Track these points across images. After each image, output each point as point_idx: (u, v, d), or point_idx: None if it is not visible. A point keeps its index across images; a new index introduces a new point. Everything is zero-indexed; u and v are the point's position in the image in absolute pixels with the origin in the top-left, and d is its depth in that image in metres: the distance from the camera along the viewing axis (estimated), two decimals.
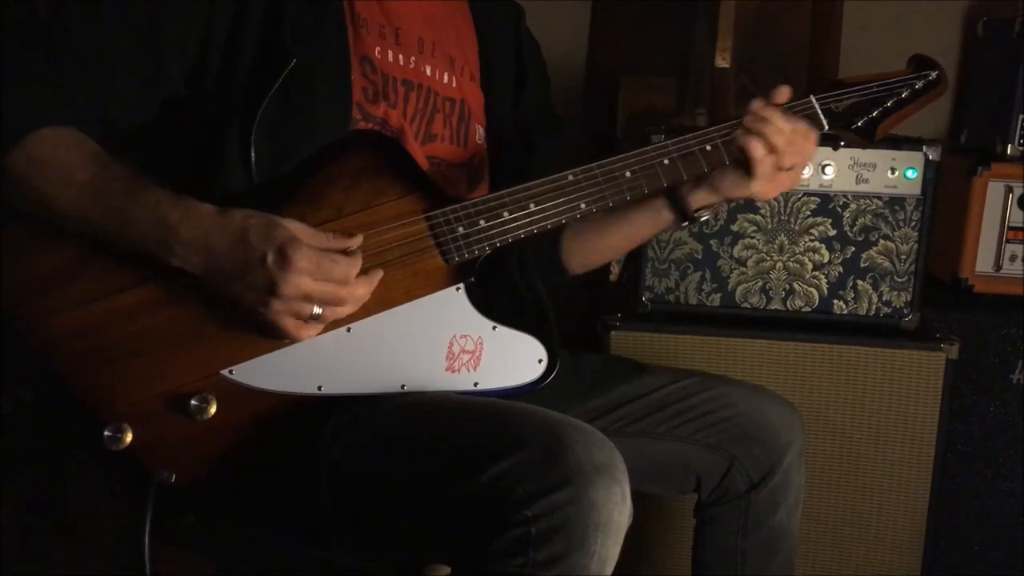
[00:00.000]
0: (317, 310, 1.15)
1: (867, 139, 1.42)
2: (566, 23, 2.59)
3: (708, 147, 1.36)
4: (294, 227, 1.14)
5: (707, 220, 1.51)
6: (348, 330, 1.23)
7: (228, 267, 1.13)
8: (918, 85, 1.42)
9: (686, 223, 1.48)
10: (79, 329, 1.19)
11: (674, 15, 2.67)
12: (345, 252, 1.17)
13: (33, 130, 1.16)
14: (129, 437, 1.18)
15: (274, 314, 1.14)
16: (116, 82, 1.22)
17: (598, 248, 1.58)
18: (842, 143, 1.45)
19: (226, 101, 1.25)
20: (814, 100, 1.39)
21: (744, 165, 1.37)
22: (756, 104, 1.35)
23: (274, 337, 1.18)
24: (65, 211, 1.16)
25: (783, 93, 1.37)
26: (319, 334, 1.19)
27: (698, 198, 1.45)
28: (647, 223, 1.51)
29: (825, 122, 1.39)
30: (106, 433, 1.18)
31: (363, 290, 1.19)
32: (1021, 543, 2.11)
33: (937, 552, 2.04)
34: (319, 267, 1.12)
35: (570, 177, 1.31)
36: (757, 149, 1.34)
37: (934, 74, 1.43)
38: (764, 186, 1.38)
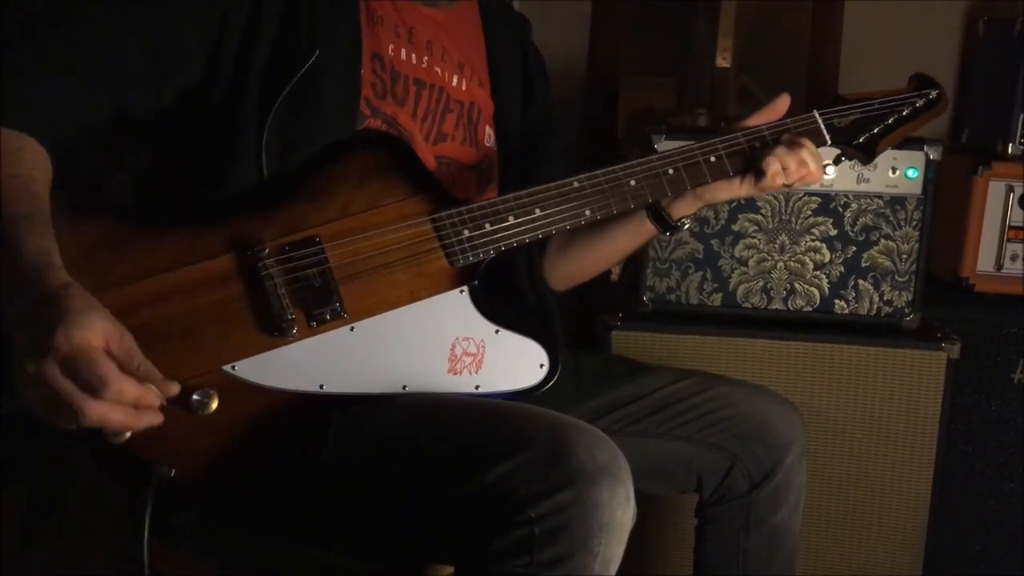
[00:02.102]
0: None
1: (868, 155, 1.43)
2: (567, 23, 2.59)
3: (712, 158, 1.37)
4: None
5: (706, 221, 1.53)
6: (351, 329, 1.23)
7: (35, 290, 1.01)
8: (919, 103, 1.44)
9: (668, 233, 1.50)
10: None
11: (675, 15, 2.68)
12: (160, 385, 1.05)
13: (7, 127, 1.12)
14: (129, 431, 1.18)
15: (27, 376, 0.98)
16: (132, 64, 1.21)
17: (583, 263, 1.59)
18: (843, 159, 1.47)
19: (241, 95, 1.25)
20: (817, 115, 1.41)
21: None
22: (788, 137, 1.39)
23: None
24: None
25: (784, 102, 1.41)
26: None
27: (679, 208, 1.47)
28: (630, 236, 1.52)
29: (828, 137, 1.41)
30: None
31: (115, 417, 1.01)
32: (1022, 542, 2.11)
33: (938, 551, 2.04)
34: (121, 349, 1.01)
35: (575, 184, 1.31)
36: (778, 177, 1.37)
37: (934, 93, 1.45)
38: (760, 189, 1.40)
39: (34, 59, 1.16)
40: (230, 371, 1.20)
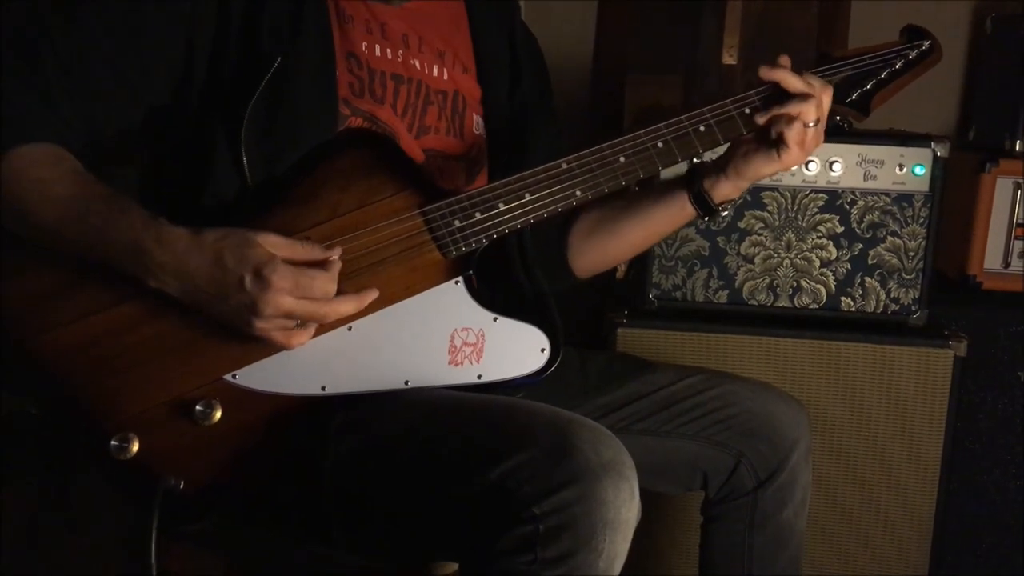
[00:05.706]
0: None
1: (862, 112, 1.41)
2: (573, 21, 2.59)
3: (702, 127, 1.33)
4: (269, 242, 1.13)
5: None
6: (349, 329, 1.23)
7: (207, 290, 1.13)
8: (912, 55, 1.42)
9: (708, 217, 1.47)
10: (81, 342, 1.19)
11: (681, 13, 2.67)
12: (324, 265, 1.15)
13: (13, 146, 1.16)
14: (136, 446, 1.18)
15: (259, 332, 1.14)
16: (101, 87, 1.21)
17: (614, 249, 1.55)
18: (846, 126, 1.42)
19: (212, 106, 1.25)
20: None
21: (766, 139, 1.35)
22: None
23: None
24: (41, 227, 1.16)
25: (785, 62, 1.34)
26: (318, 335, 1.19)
27: (722, 191, 1.43)
28: (670, 219, 1.49)
29: None
30: (112, 443, 1.18)
31: (348, 307, 1.18)
32: None
33: (945, 549, 2.04)
34: (298, 285, 1.12)
35: (564, 165, 1.30)
36: (810, 110, 1.30)
37: (927, 43, 1.43)
38: (798, 153, 1.34)
39: (3, 92, 1.17)
40: (231, 380, 1.21)
